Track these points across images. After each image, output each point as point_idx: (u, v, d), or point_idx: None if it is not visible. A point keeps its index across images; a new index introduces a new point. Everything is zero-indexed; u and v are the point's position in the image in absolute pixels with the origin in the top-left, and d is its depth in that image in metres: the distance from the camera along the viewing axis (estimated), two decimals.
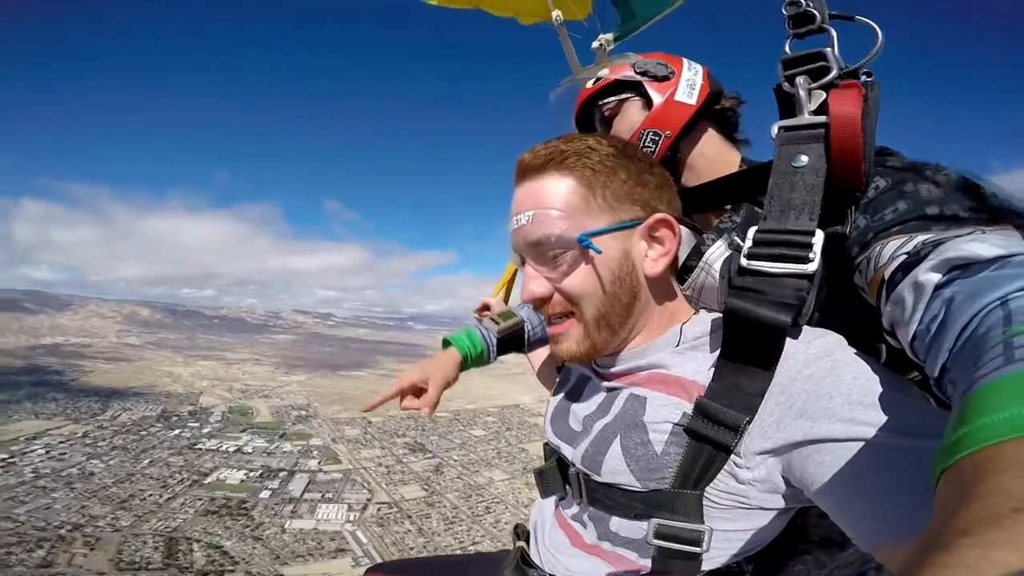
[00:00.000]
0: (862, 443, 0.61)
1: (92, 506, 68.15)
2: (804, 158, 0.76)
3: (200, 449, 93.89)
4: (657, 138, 1.12)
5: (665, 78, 1.15)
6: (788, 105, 0.83)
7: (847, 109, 0.73)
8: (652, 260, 0.87)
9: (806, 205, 0.72)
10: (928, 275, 0.61)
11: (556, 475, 0.97)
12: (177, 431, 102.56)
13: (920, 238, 0.68)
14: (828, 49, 0.81)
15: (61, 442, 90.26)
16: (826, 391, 0.66)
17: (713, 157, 1.18)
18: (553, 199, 0.85)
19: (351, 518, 74.14)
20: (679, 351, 0.85)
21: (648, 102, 1.15)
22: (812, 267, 0.67)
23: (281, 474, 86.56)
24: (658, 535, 0.75)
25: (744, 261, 0.72)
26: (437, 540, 71.03)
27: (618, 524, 0.83)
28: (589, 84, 1.24)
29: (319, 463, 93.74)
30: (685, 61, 1.19)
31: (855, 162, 0.73)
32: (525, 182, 0.89)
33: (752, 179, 0.97)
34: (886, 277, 0.69)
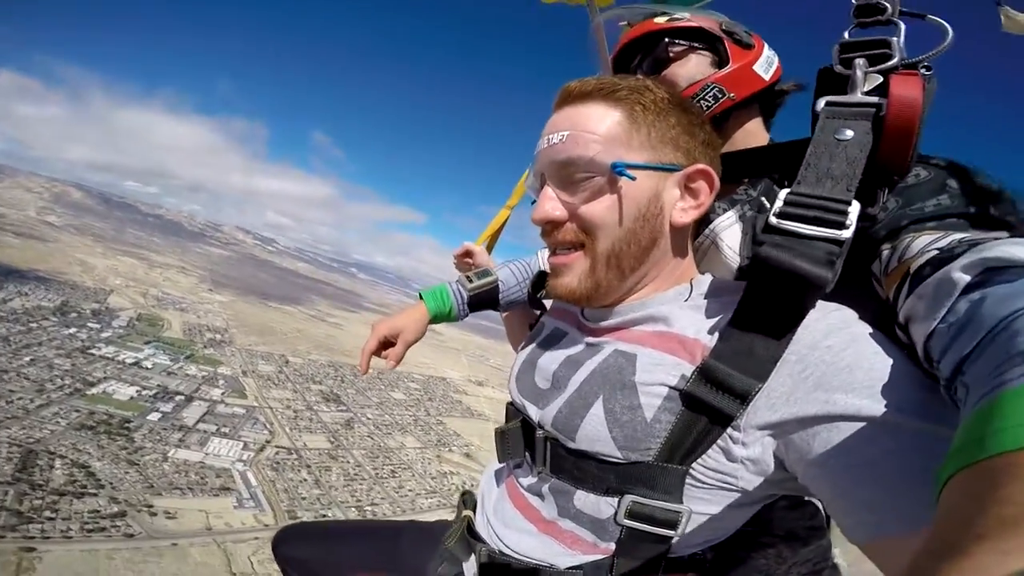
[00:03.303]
0: (880, 423, 0.58)
1: None
2: (849, 132, 0.74)
3: (93, 355, 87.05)
4: (720, 96, 1.09)
5: (749, 46, 1.13)
6: (833, 88, 0.82)
7: (910, 92, 0.72)
8: (682, 210, 0.83)
9: (844, 176, 0.70)
10: (959, 274, 0.58)
11: (519, 438, 0.90)
12: (73, 330, 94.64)
13: (956, 236, 0.66)
14: (894, 39, 0.81)
15: None
16: (846, 364, 0.63)
17: (753, 135, 1.18)
18: (594, 124, 0.81)
19: (244, 457, 71.20)
20: (686, 305, 0.80)
21: (719, 62, 1.13)
22: (846, 234, 0.64)
23: (177, 398, 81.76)
24: (631, 514, 0.71)
25: (773, 219, 0.68)
26: (333, 494, 69.64)
27: (583, 500, 0.77)
28: (660, 20, 1.18)
29: (223, 394, 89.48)
30: (766, 43, 1.18)
31: (907, 145, 0.73)
32: (566, 107, 0.85)
33: (781, 153, 0.95)
34: (912, 270, 0.67)
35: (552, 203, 0.84)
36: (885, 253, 0.75)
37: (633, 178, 0.79)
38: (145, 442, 66.98)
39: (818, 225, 0.66)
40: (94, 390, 75.34)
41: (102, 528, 49.73)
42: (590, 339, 0.88)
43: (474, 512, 0.99)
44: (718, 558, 0.78)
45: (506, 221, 2.00)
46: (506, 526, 0.87)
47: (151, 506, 55.66)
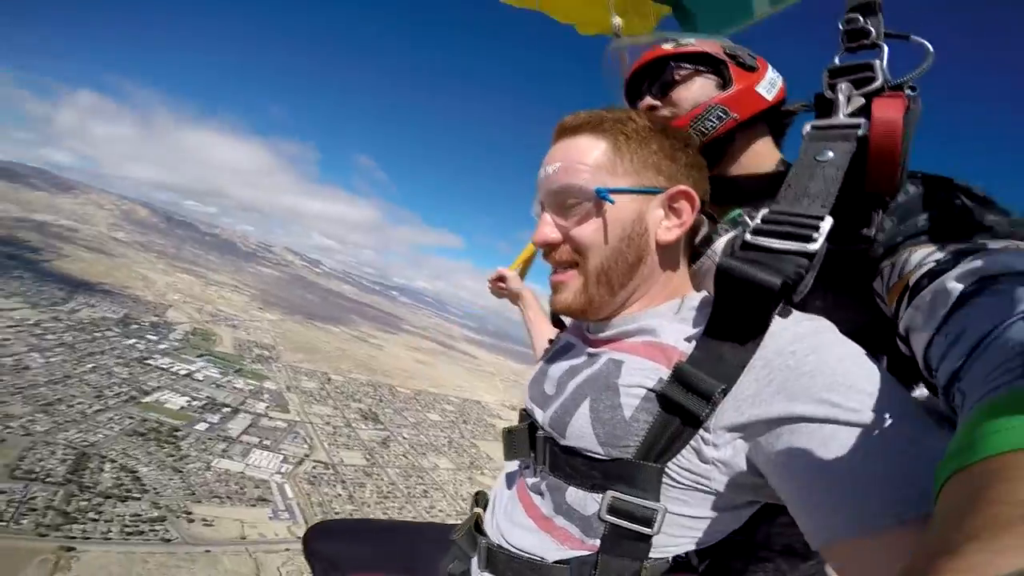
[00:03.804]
0: (837, 425, 0.60)
1: (12, 403, 65.31)
2: (830, 153, 0.77)
3: (150, 365, 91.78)
4: (724, 116, 1.12)
5: (752, 68, 1.16)
6: (826, 112, 0.86)
7: (890, 114, 0.75)
8: (666, 228, 0.88)
9: (820, 194, 0.73)
10: (954, 284, 0.61)
11: (524, 438, 0.95)
12: (133, 340, 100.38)
13: (951, 247, 0.68)
14: (876, 61, 0.84)
15: (9, 327, 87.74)
16: (808, 369, 0.65)
17: (761, 155, 1.20)
18: (582, 155, 0.88)
19: (283, 470, 72.59)
20: (675, 319, 0.85)
21: (723, 84, 1.16)
22: (814, 247, 0.67)
23: (224, 410, 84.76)
24: (611, 510, 0.75)
25: (749, 236, 0.72)
26: (366, 511, 70.10)
27: (573, 496, 0.81)
28: (667, 46, 1.23)
29: (267, 407, 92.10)
30: (770, 65, 1.22)
31: (892, 165, 0.75)
32: (561, 140, 0.93)
33: (783, 178, 0.97)
34: (910, 283, 0.69)
35: (549, 228, 0.91)
36: (886, 271, 0.77)
37: (613, 202, 0.85)
38: (191, 450, 69.51)
39: (788, 240, 0.69)
40: (148, 398, 79.19)
41: (141, 532, 51.49)
42: (591, 350, 0.93)
43: (484, 510, 1.04)
44: (712, 568, 0.79)
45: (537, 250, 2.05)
46: (511, 523, 0.91)
47: (190, 513, 57.44)
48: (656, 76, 1.21)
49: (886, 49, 0.87)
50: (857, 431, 0.58)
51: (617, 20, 1.99)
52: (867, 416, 0.58)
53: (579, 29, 2.50)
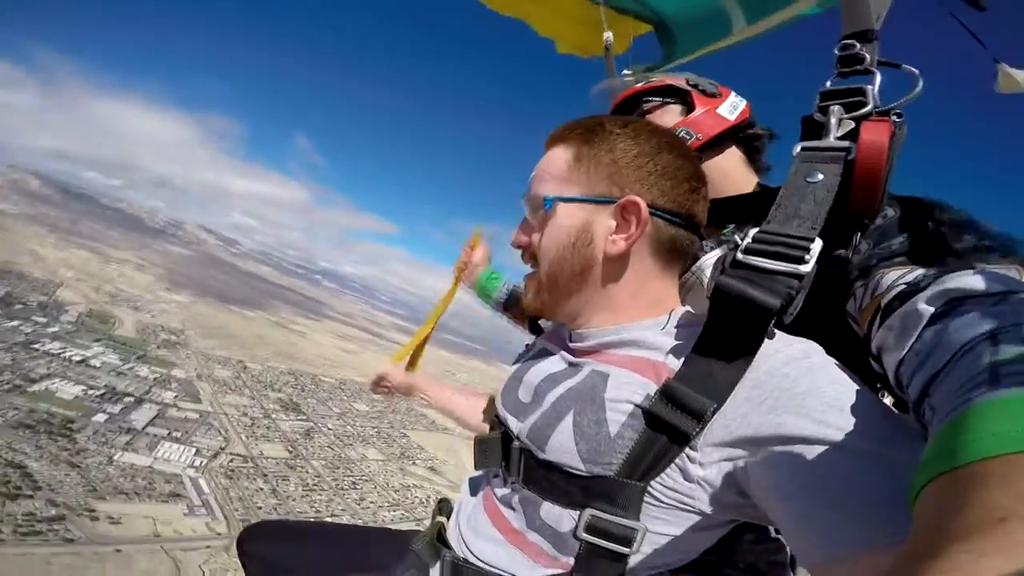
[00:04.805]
0: (830, 446, 0.60)
1: None
2: (820, 175, 0.78)
3: (37, 350, 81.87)
4: (688, 137, 1.20)
5: (713, 95, 1.28)
6: (812, 134, 0.88)
7: (877, 137, 0.76)
8: (611, 240, 0.87)
9: (811, 216, 0.74)
10: (924, 305, 0.63)
11: (497, 448, 0.93)
12: (17, 322, 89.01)
13: (921, 270, 0.71)
14: (869, 87, 0.86)
15: None
16: (801, 390, 0.65)
17: (732, 174, 1.26)
18: (551, 165, 0.93)
19: (196, 463, 67.76)
20: (661, 333, 0.83)
21: (688, 110, 1.27)
22: (805, 268, 0.67)
23: (126, 399, 77.42)
24: (589, 528, 0.73)
25: (740, 255, 0.72)
26: (291, 504, 67.10)
27: (548, 511, 0.79)
28: (639, 84, 1.35)
29: (176, 397, 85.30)
30: (733, 92, 1.32)
31: (874, 188, 0.76)
32: (546, 151, 0.98)
33: (766, 200, 0.97)
34: (882, 305, 0.71)
35: (517, 232, 0.98)
36: (859, 292, 0.80)
37: (555, 210, 0.90)
38: (89, 444, 62.94)
39: (780, 260, 0.69)
40: (36, 387, 70.48)
41: (38, 532, 46.14)
42: (572, 359, 0.91)
43: (448, 519, 1.01)
44: None
45: (427, 336, 1.80)
46: (476, 534, 0.89)
47: (93, 510, 52.06)
48: (630, 112, 1.34)
49: (878, 76, 0.89)
50: (850, 452, 0.59)
51: (608, 34, 2.12)
52: (857, 437, 0.59)
53: (557, 47, 2.49)
